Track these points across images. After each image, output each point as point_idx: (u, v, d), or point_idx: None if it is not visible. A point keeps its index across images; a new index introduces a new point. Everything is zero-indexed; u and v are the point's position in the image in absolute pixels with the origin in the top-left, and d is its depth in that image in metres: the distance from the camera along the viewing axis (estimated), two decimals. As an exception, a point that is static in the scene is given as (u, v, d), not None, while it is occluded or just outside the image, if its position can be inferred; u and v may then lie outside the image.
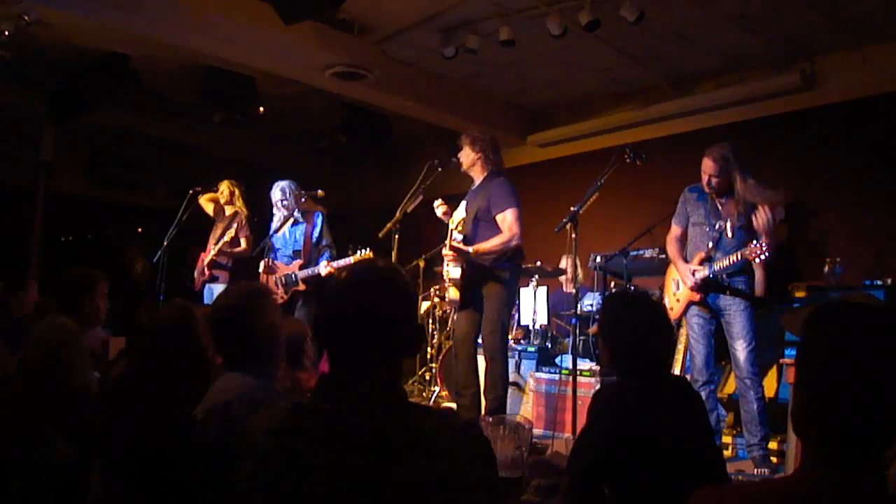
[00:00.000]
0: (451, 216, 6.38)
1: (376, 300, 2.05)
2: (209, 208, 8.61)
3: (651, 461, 2.88)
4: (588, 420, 3.18)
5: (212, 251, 8.16)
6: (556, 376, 6.71)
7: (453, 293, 6.12)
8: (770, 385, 6.45)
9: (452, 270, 6.03)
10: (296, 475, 1.84)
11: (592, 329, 8.14)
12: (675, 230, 6.27)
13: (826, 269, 6.65)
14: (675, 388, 3.28)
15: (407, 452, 1.85)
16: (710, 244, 5.88)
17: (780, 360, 6.15)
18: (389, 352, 2.05)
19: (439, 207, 6.43)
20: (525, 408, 7.10)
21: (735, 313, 5.74)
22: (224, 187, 8.43)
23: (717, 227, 5.90)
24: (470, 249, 5.95)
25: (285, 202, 7.49)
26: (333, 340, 2.06)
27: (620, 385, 3.23)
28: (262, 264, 7.48)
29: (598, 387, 6.46)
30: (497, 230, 5.98)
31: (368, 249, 7.01)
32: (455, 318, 6.44)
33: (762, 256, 5.42)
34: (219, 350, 3.07)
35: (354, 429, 1.88)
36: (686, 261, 6.04)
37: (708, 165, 5.91)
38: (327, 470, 1.82)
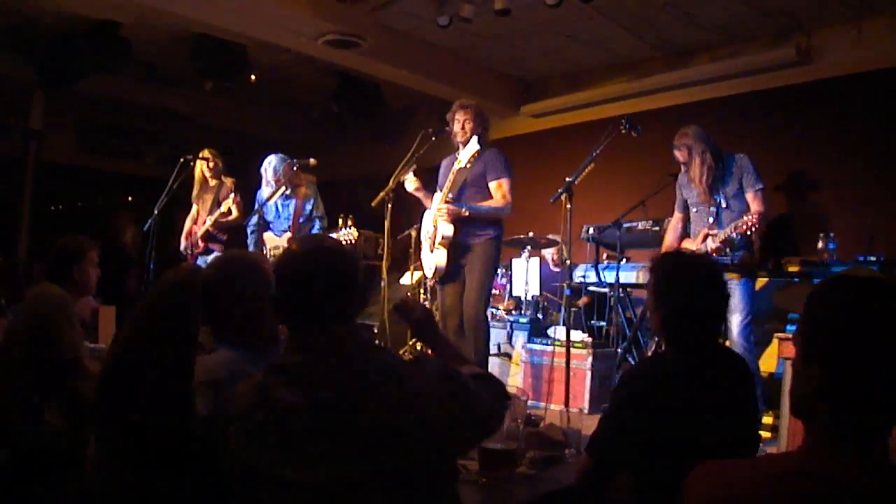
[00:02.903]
0: (423, 192, 6.42)
1: (314, 274, 2.30)
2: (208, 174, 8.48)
3: (691, 448, 2.61)
4: (621, 399, 2.92)
5: (206, 223, 8.10)
6: (549, 348, 6.70)
7: (440, 259, 6.09)
8: (770, 361, 6.43)
9: (445, 227, 6.00)
10: (277, 423, 2.10)
11: (582, 300, 8.14)
12: (675, 217, 6.42)
13: (820, 243, 6.64)
14: (724, 360, 3.08)
15: (374, 382, 2.13)
16: (711, 220, 5.91)
17: (776, 335, 6.14)
18: (338, 311, 2.29)
19: (412, 183, 6.39)
20: (515, 378, 7.10)
21: (733, 287, 5.75)
22: (212, 158, 8.31)
23: (712, 202, 5.93)
24: (464, 207, 5.94)
25: (276, 176, 7.49)
26: (288, 313, 2.34)
27: (664, 362, 3.03)
28: (250, 241, 7.55)
29: (590, 359, 6.47)
30: (487, 197, 5.98)
31: (352, 219, 7.03)
32: (439, 289, 6.43)
33: (753, 228, 5.47)
34: (208, 323, 2.97)
35: (324, 371, 2.15)
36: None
37: (676, 155, 6.15)
38: (305, 411, 2.08)
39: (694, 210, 6.20)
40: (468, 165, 5.90)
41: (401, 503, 2.11)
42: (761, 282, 6.53)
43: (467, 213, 5.93)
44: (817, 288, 1.77)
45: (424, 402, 2.15)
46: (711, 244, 5.77)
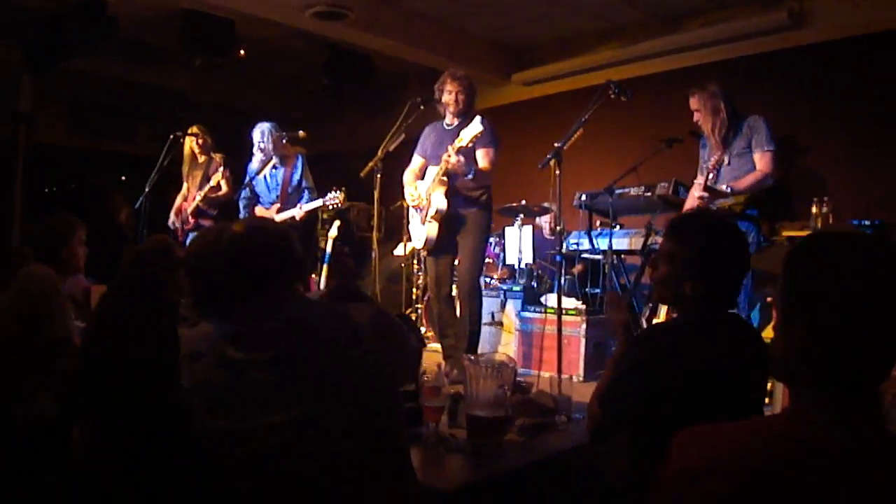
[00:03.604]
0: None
1: (255, 249, 2.49)
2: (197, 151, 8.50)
3: (698, 414, 2.20)
4: (639, 359, 2.80)
5: (196, 198, 8.11)
6: (542, 315, 6.68)
7: (431, 230, 6.11)
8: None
9: (440, 200, 6.02)
10: (234, 379, 2.26)
11: (577, 268, 8.13)
12: (698, 178, 6.36)
13: (814, 208, 6.62)
14: (738, 326, 2.97)
15: (319, 327, 2.36)
16: (711, 175, 5.86)
17: (768, 300, 6.11)
18: (278, 280, 2.49)
19: (412, 198, 6.43)
20: (508, 347, 7.10)
21: None
22: (200, 134, 8.34)
23: (713, 160, 5.92)
24: (471, 173, 5.96)
25: (263, 145, 7.50)
26: (233, 287, 2.47)
27: (690, 327, 2.87)
28: (241, 216, 7.58)
29: (584, 326, 6.48)
30: (474, 163, 5.99)
31: (342, 190, 7.06)
32: (429, 259, 6.47)
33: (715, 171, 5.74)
34: (194, 297, 2.96)
35: (271, 326, 2.32)
36: None
37: (690, 102, 6.14)
38: (258, 363, 2.25)
39: (699, 169, 6.18)
40: (469, 144, 5.88)
41: (357, 439, 2.26)
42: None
43: (470, 176, 5.93)
44: (796, 246, 1.74)
45: (366, 338, 2.38)
46: (696, 192, 5.76)
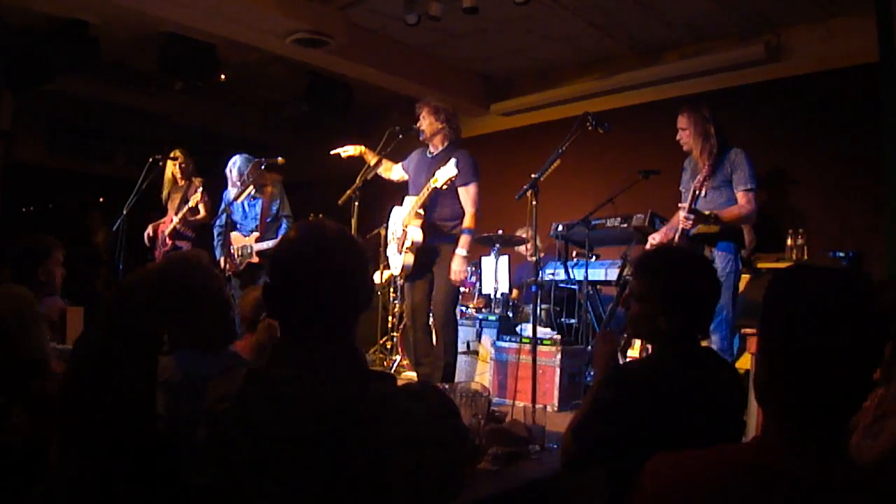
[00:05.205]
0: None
1: (323, 263, 2.04)
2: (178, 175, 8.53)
3: (679, 444, 2.16)
4: (616, 396, 2.77)
5: (174, 221, 8.12)
6: (517, 345, 6.70)
7: (408, 259, 6.15)
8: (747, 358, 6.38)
9: (415, 233, 6.07)
10: (251, 440, 1.86)
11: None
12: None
13: (789, 240, 6.66)
14: (711, 361, 2.96)
15: (366, 416, 1.85)
16: (689, 203, 5.82)
17: (742, 331, 6.10)
18: (340, 312, 2.05)
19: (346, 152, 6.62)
20: (483, 376, 7.11)
21: None
22: (182, 158, 8.36)
23: (692, 185, 5.85)
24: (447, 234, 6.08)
25: (242, 177, 7.50)
26: (284, 307, 2.06)
27: (665, 364, 2.87)
28: (216, 242, 7.58)
29: (559, 356, 6.48)
30: (455, 200, 6.03)
31: (322, 217, 7.07)
32: (405, 287, 6.51)
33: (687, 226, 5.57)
34: (161, 324, 2.95)
35: (313, 393, 1.87)
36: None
37: (679, 119, 6.04)
38: (283, 435, 1.83)
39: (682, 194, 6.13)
40: (443, 187, 5.92)
41: None
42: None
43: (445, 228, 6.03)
44: (775, 275, 1.77)
45: (418, 446, 1.89)
46: (682, 214, 5.70)
